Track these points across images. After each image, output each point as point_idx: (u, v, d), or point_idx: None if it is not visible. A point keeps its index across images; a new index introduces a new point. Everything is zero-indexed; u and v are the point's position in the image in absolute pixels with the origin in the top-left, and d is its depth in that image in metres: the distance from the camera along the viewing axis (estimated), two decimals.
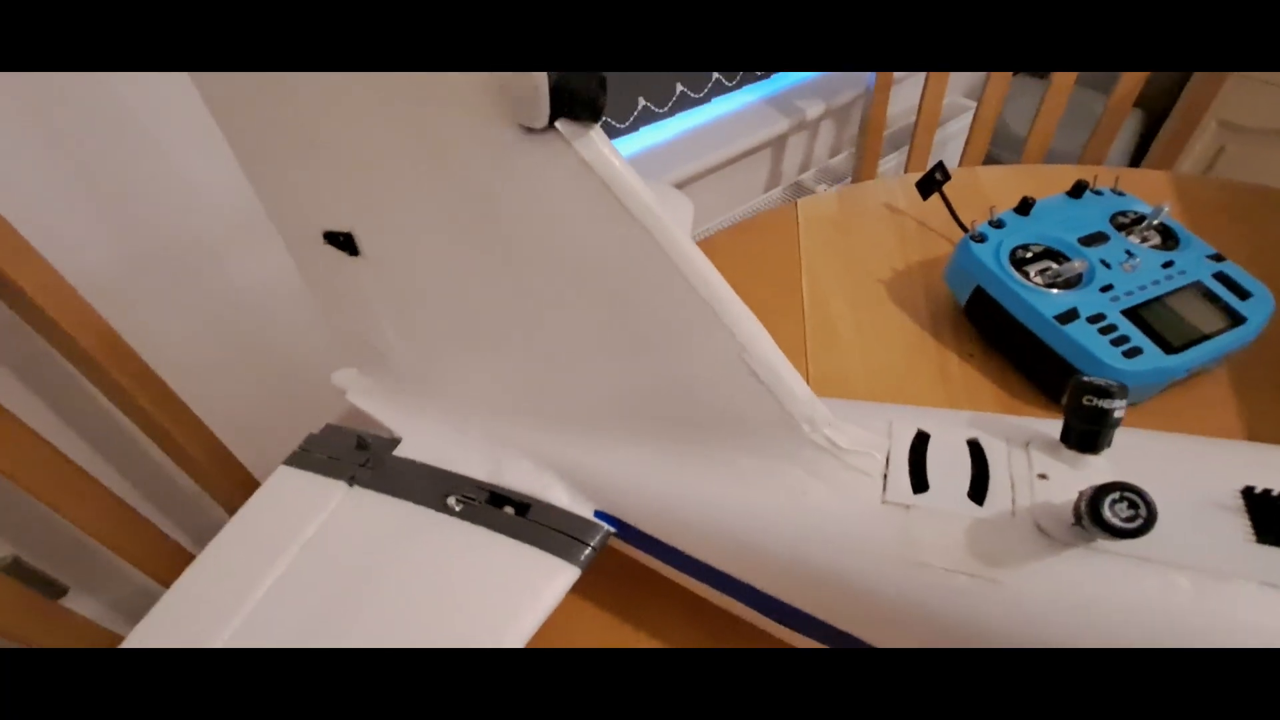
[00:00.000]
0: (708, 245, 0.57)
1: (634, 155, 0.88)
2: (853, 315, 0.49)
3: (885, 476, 0.23)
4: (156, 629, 0.28)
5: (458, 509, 0.29)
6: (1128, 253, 0.43)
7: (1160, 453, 0.22)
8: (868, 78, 0.83)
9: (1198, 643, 0.18)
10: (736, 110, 0.97)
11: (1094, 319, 0.39)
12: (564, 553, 0.27)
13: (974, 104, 1.14)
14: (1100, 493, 0.19)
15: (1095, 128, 0.82)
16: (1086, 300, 0.40)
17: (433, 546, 0.28)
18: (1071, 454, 0.22)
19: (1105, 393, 0.21)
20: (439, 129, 0.21)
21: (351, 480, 0.31)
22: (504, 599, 0.26)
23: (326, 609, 0.27)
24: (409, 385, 0.33)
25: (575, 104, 0.18)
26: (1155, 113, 1.24)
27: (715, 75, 0.91)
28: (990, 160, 0.87)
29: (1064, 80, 0.79)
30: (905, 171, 0.89)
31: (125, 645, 0.27)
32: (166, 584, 0.30)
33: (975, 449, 0.24)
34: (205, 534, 0.72)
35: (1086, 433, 0.22)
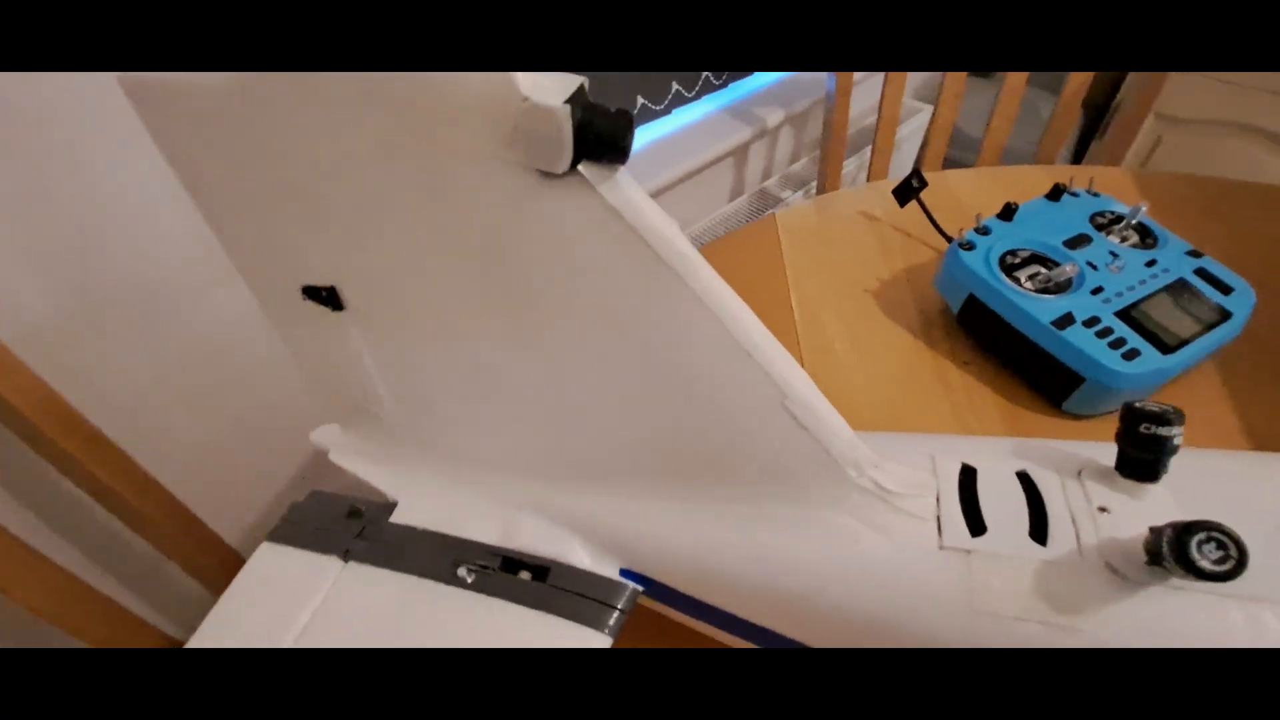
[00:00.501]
0: None
1: None
2: (847, 330, 0.48)
3: (939, 519, 0.22)
4: None
5: (470, 580, 0.26)
6: (1112, 254, 0.44)
7: (1217, 473, 0.22)
8: (827, 84, 0.83)
9: None
10: (697, 121, 0.96)
11: (1089, 323, 0.39)
12: (591, 620, 0.25)
13: (925, 106, 1.17)
14: (1184, 533, 0.18)
15: (1047, 127, 0.84)
16: (1080, 304, 0.40)
17: (447, 625, 0.25)
18: (1128, 483, 0.21)
19: (1163, 419, 0.20)
20: (444, 177, 0.18)
21: (346, 554, 0.28)
22: None
23: None
24: (402, 442, 0.30)
25: (601, 145, 0.16)
26: (1090, 109, 1.29)
27: (675, 87, 0.91)
28: (947, 161, 0.88)
29: (1016, 81, 0.81)
30: (868, 175, 0.89)
31: None
32: None
33: (1026, 481, 0.23)
34: (170, 604, 0.67)
35: (1145, 461, 0.21)
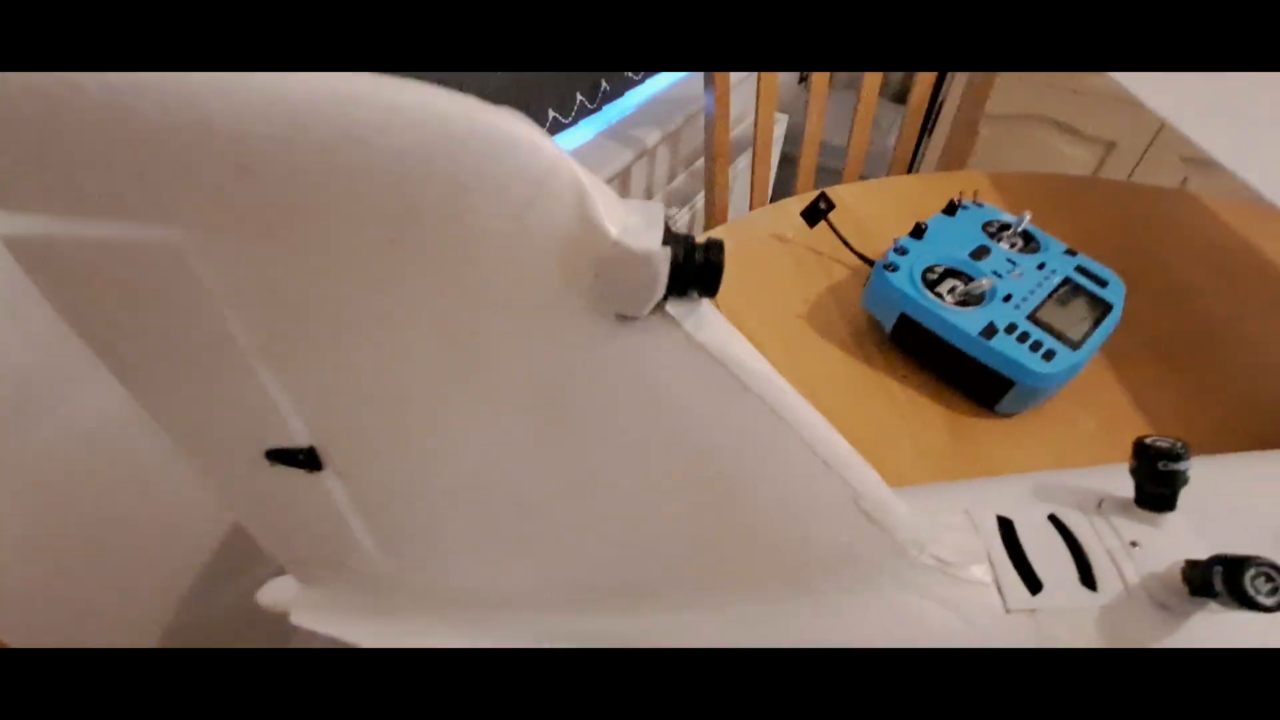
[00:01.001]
0: None
1: None
2: (787, 357, 0.49)
3: (997, 583, 0.22)
4: None
5: None
6: (1010, 261, 0.48)
7: (1215, 487, 0.24)
8: (706, 101, 0.85)
9: None
10: (577, 147, 0.95)
11: (1010, 329, 0.43)
12: None
13: (783, 116, 1.23)
14: (1236, 569, 0.19)
15: (900, 134, 0.92)
16: (999, 313, 0.44)
17: None
18: (1147, 514, 0.23)
19: (1174, 455, 0.22)
20: (488, 330, 0.15)
21: None
22: None
23: None
24: (390, 591, 0.26)
25: (698, 282, 0.14)
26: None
27: (552, 114, 0.88)
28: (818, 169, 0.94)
29: (871, 91, 0.88)
30: (750, 188, 0.93)
31: None
32: None
33: (1058, 525, 0.24)
34: None
35: (1164, 495, 0.22)
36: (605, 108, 0.98)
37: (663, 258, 0.13)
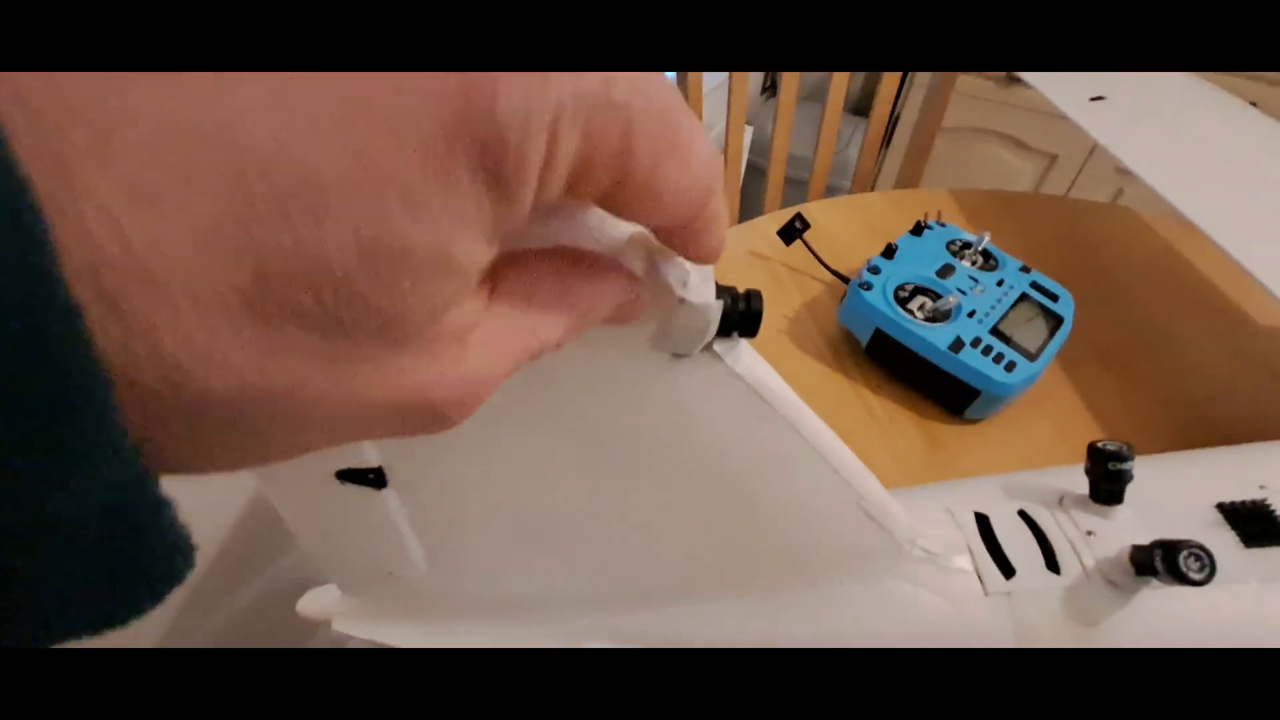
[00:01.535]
0: None
1: None
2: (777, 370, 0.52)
3: (977, 570, 0.26)
4: None
5: None
6: (972, 279, 0.52)
7: (1156, 482, 0.28)
8: None
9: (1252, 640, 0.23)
10: None
11: (975, 343, 0.47)
12: None
13: (746, 127, 1.28)
14: (1172, 552, 0.23)
15: (863, 148, 0.97)
16: (964, 328, 0.48)
17: None
18: (1100, 506, 0.27)
19: (1121, 457, 0.26)
20: (572, 374, 0.18)
21: None
22: None
23: None
24: (431, 596, 0.28)
25: (743, 326, 0.17)
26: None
27: None
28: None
29: (835, 102, 0.92)
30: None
31: None
32: None
33: (1027, 519, 0.27)
34: None
35: (1115, 490, 0.26)
36: None
37: (717, 309, 0.16)
